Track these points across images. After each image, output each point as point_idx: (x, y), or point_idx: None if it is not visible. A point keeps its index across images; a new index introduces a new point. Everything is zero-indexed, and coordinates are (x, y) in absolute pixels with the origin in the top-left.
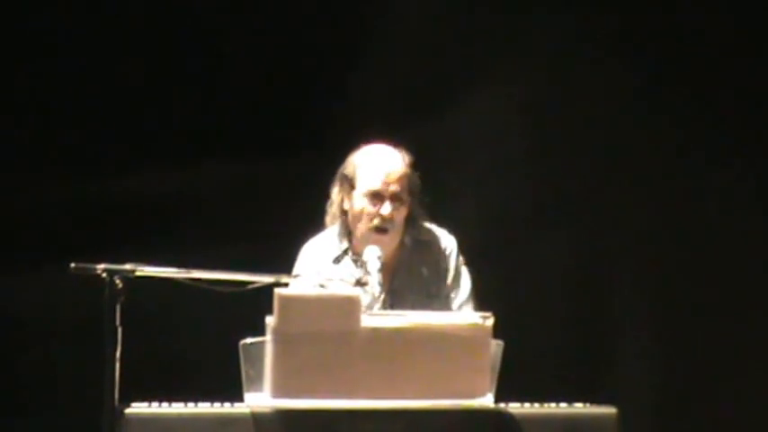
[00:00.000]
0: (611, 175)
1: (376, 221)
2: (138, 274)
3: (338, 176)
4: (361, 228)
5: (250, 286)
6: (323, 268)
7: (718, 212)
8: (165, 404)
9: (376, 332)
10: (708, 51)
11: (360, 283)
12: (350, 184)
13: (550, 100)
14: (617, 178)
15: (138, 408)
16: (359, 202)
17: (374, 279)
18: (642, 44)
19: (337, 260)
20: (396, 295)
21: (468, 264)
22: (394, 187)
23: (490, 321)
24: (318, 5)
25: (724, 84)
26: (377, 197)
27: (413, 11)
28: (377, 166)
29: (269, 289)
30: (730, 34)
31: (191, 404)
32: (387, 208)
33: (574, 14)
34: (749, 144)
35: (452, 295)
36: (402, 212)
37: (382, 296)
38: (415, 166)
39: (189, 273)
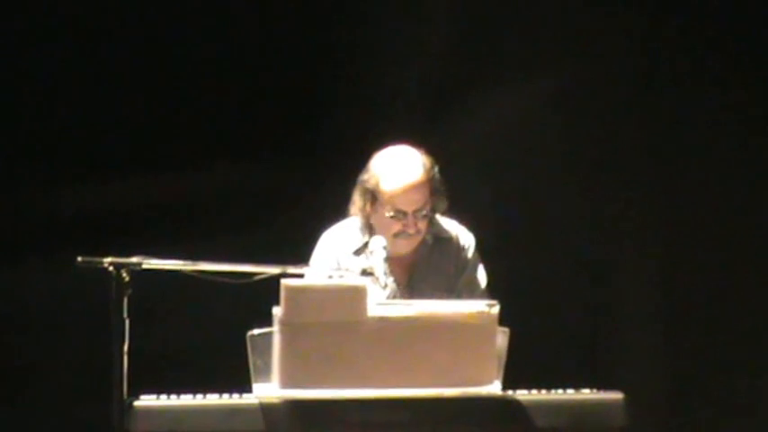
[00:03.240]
0: (622, 164)
1: (402, 236)
2: (145, 266)
3: (359, 185)
4: (385, 236)
5: (257, 277)
6: (343, 258)
7: (727, 199)
8: (173, 396)
9: (383, 321)
10: (729, 44)
11: (366, 273)
12: (372, 195)
13: (566, 91)
14: (627, 167)
15: (146, 400)
16: (383, 218)
17: (380, 269)
18: (660, 37)
19: (358, 252)
20: (414, 291)
21: (482, 257)
22: (418, 203)
23: (496, 309)
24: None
25: (746, 72)
26: (401, 214)
27: (426, 3)
28: (399, 182)
29: (276, 280)
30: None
31: (199, 396)
32: (411, 224)
33: (593, 7)
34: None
35: (468, 291)
36: (426, 218)
37: (391, 286)
38: (434, 164)
39: (196, 265)
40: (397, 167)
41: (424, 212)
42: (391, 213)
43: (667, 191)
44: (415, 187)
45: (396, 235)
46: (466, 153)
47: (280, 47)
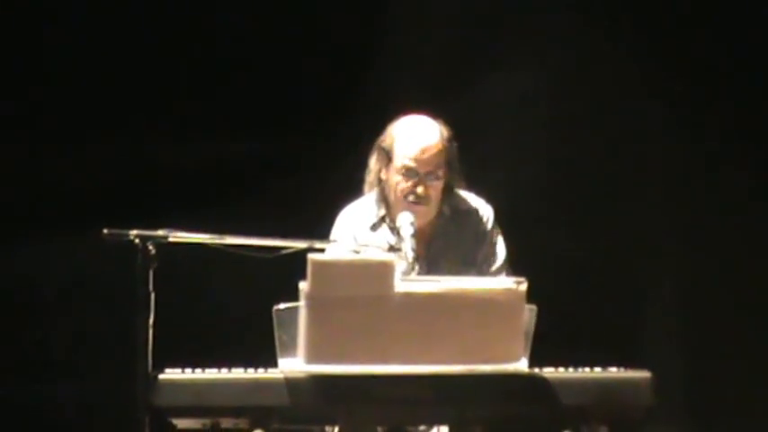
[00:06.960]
0: (650, 140)
1: (411, 197)
2: (171, 239)
3: (376, 147)
4: (396, 200)
5: (283, 252)
6: (360, 234)
7: (748, 186)
8: (198, 370)
9: (409, 297)
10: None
11: (393, 249)
12: (387, 156)
13: (582, 71)
14: (647, 150)
15: (171, 373)
16: (395, 176)
17: (407, 245)
18: (679, 26)
19: (374, 227)
20: (432, 263)
21: (503, 231)
22: (429, 164)
23: (524, 286)
24: None
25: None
26: (412, 173)
27: None
28: (413, 141)
29: (302, 254)
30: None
31: (224, 370)
32: (421, 185)
33: None
34: None
35: (488, 263)
36: (438, 187)
37: (416, 262)
38: (453, 137)
39: (222, 238)
40: (414, 129)
41: (436, 176)
42: (402, 172)
43: (688, 171)
44: (428, 148)
45: (405, 197)
46: (490, 128)
47: (309, 22)
